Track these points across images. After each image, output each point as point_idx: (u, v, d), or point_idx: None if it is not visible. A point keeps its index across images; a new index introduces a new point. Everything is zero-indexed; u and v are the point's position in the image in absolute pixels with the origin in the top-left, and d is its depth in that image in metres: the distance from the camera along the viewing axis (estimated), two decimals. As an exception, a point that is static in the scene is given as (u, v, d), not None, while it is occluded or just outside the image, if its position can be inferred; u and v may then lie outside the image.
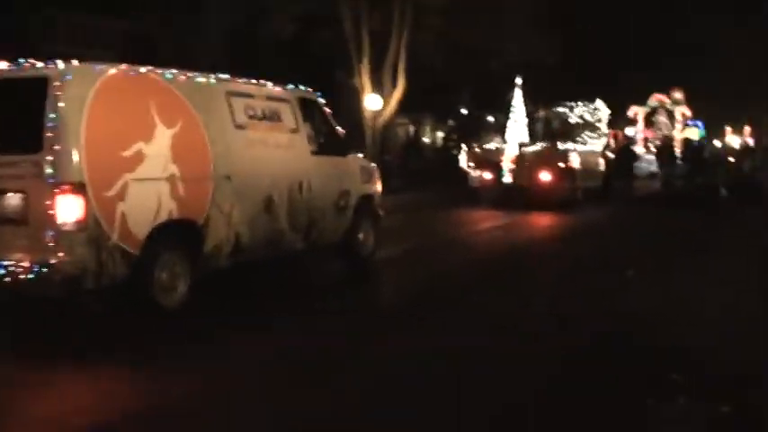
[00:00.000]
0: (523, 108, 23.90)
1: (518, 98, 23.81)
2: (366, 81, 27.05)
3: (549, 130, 24.97)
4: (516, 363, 6.67)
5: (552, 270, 11.46)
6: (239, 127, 9.09)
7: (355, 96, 27.41)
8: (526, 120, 24.08)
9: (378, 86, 27.31)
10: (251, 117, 9.36)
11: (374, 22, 26.81)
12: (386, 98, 27.43)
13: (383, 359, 6.84)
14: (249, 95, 9.47)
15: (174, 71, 8.56)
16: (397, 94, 27.47)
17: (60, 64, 7.41)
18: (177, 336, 7.54)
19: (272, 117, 9.75)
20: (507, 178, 20.88)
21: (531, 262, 12.46)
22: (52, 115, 7.09)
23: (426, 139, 40.28)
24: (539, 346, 7.16)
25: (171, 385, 6.11)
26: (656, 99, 41.72)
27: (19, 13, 23.32)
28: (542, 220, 18.45)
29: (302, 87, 10.70)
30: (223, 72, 9.49)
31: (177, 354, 6.95)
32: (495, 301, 9.18)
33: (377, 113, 27.47)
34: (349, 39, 26.71)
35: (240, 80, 9.56)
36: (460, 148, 27.74)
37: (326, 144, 10.66)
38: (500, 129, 27.37)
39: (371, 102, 27.07)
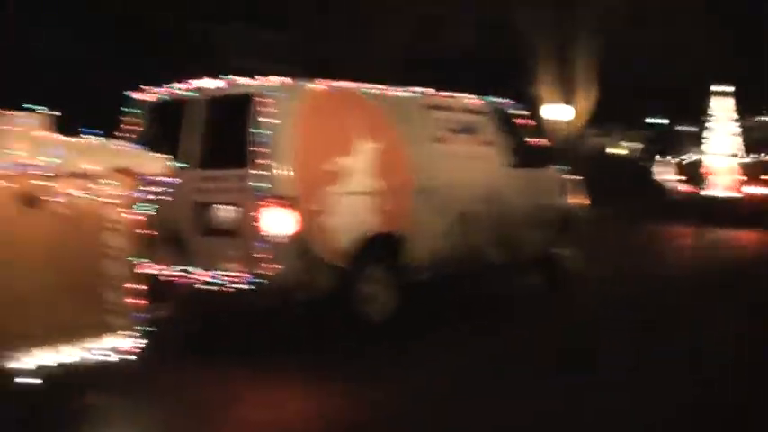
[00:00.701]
0: (728, 117, 22.60)
1: (721, 107, 22.55)
2: (550, 91, 26.52)
3: (755, 140, 23.46)
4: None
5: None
6: (438, 140, 9.07)
7: (539, 107, 26.91)
8: (732, 130, 22.74)
9: (564, 96, 26.72)
10: (449, 130, 9.32)
11: (557, 29, 26.20)
12: (572, 108, 26.79)
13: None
14: (447, 108, 9.44)
15: (375, 86, 8.66)
16: (585, 103, 26.77)
17: (268, 80, 7.66)
18: (384, 349, 7.61)
19: (470, 130, 9.67)
20: (712, 191, 19.81)
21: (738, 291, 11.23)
22: (262, 131, 7.32)
23: (617, 150, 39.05)
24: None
25: (387, 399, 6.15)
26: None
27: (205, 26, 24.37)
28: (750, 238, 17.26)
29: (499, 99, 10.55)
30: (398, 85, 9.47)
31: (384, 367, 7.01)
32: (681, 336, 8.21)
33: (563, 124, 26.87)
34: (531, 47, 26.26)
35: (438, 93, 9.55)
36: (653, 159, 26.63)
37: (525, 157, 10.43)
38: (697, 139, 26.09)
39: (557, 112, 26.50)
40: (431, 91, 9.44)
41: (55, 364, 5.33)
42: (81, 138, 5.75)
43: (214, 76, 8.19)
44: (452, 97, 9.69)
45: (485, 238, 9.48)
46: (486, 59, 27.03)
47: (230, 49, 25.12)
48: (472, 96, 10.01)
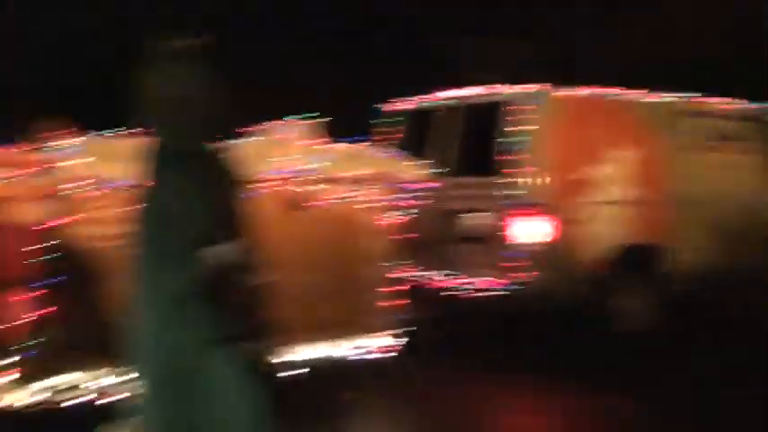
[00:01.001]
0: None
1: None
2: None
3: None
4: None
5: None
6: (699, 148, 8.61)
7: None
8: None
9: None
10: (711, 137, 8.82)
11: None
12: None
13: None
14: (708, 114, 8.93)
15: (631, 92, 8.38)
16: None
17: (522, 87, 7.64)
18: (638, 361, 7.24)
19: (734, 137, 9.08)
20: None
21: None
22: (516, 138, 7.32)
23: None
24: None
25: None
26: None
27: (425, 40, 24.59)
28: None
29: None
30: (631, 87, 8.98)
31: (639, 379, 6.69)
32: None
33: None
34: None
35: (699, 98, 9.06)
36: None
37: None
38: None
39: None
40: (691, 96, 8.99)
41: (317, 360, 5.60)
42: (344, 145, 6.02)
43: (455, 86, 8.31)
44: (714, 102, 9.16)
45: (749, 253, 8.88)
46: (738, 61, 25.36)
47: (468, 58, 25.31)
48: (739, 101, 9.41)
